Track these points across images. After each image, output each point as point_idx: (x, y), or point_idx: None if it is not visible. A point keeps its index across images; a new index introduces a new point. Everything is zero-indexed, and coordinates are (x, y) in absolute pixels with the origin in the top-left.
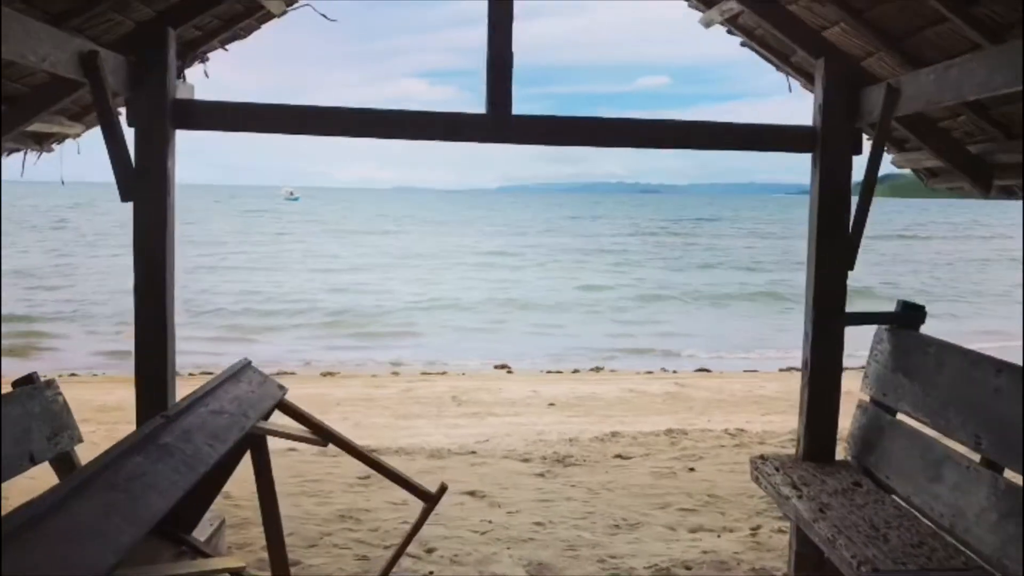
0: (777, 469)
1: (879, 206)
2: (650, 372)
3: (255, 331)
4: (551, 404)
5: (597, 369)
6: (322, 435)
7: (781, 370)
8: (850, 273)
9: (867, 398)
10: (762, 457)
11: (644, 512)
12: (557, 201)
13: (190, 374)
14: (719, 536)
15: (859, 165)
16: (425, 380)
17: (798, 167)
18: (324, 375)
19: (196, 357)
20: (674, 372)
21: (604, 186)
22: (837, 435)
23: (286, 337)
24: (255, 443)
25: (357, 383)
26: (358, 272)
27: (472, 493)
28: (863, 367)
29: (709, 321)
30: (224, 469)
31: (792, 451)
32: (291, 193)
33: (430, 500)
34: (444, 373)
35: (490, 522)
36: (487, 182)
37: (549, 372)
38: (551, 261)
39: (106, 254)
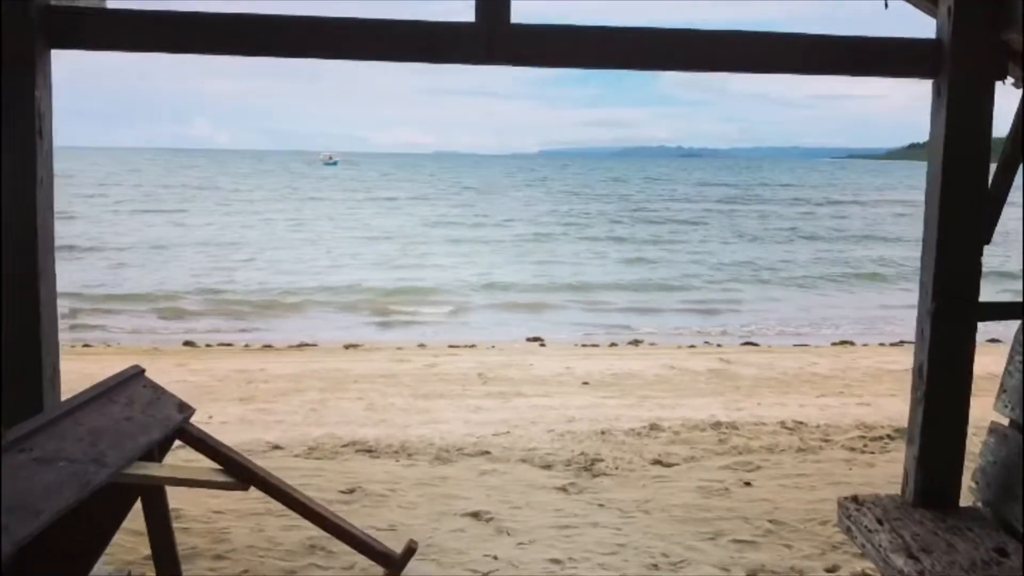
0: (880, 521)
1: None
2: (692, 346)
3: (284, 306)
4: (584, 383)
5: (636, 342)
6: (239, 475)
7: (834, 344)
8: (985, 249)
9: (1005, 421)
10: (855, 500)
11: (689, 545)
12: (604, 165)
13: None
14: None
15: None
16: (452, 354)
17: (847, 129)
18: (347, 347)
19: (222, 335)
20: (718, 346)
21: (646, 151)
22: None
23: (313, 312)
24: (145, 492)
25: (380, 356)
26: (390, 243)
27: (476, 515)
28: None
29: (784, 299)
30: (95, 523)
31: (870, 460)
32: (330, 158)
33: (392, 566)
34: (473, 346)
35: (495, 558)
36: (527, 147)
37: (584, 346)
38: (602, 235)
39: None
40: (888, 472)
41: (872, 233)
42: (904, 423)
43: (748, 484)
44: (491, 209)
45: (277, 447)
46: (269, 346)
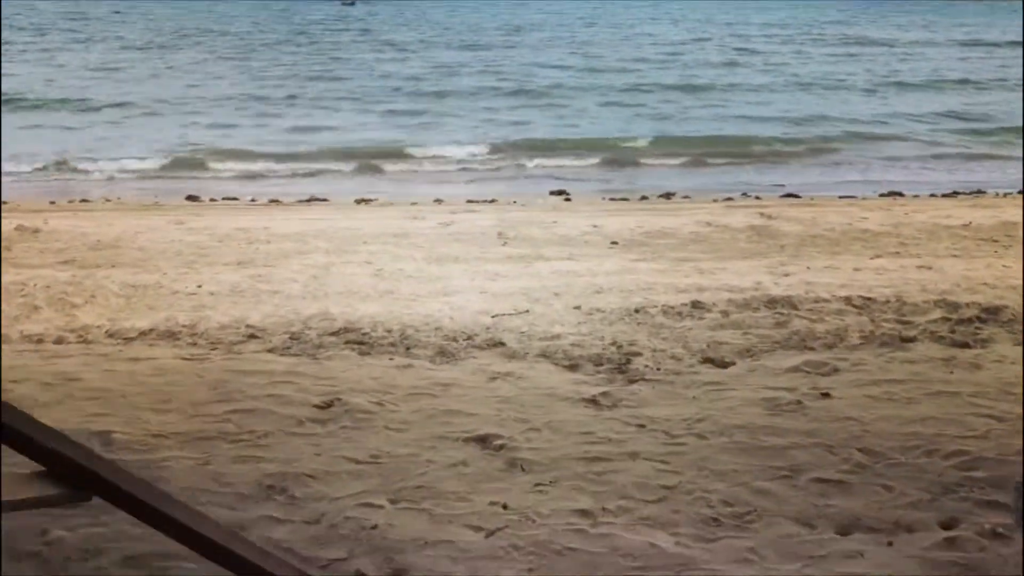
0: None
1: None
2: (729, 199)
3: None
4: (613, 243)
5: (668, 195)
6: (72, 477)
7: (882, 195)
8: None
9: None
10: None
11: (759, 487)
12: None
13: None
14: (889, 544)
15: None
16: (470, 211)
17: None
18: (359, 202)
19: (228, 186)
20: (757, 199)
21: None
22: None
23: (324, 163)
24: None
25: (394, 214)
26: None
27: (483, 441)
28: None
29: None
30: None
31: (972, 359)
32: None
33: None
34: (493, 201)
35: (504, 507)
36: None
37: (613, 200)
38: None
39: None
40: (1000, 378)
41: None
42: (984, 295)
43: (826, 395)
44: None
45: (254, 336)
46: (276, 201)
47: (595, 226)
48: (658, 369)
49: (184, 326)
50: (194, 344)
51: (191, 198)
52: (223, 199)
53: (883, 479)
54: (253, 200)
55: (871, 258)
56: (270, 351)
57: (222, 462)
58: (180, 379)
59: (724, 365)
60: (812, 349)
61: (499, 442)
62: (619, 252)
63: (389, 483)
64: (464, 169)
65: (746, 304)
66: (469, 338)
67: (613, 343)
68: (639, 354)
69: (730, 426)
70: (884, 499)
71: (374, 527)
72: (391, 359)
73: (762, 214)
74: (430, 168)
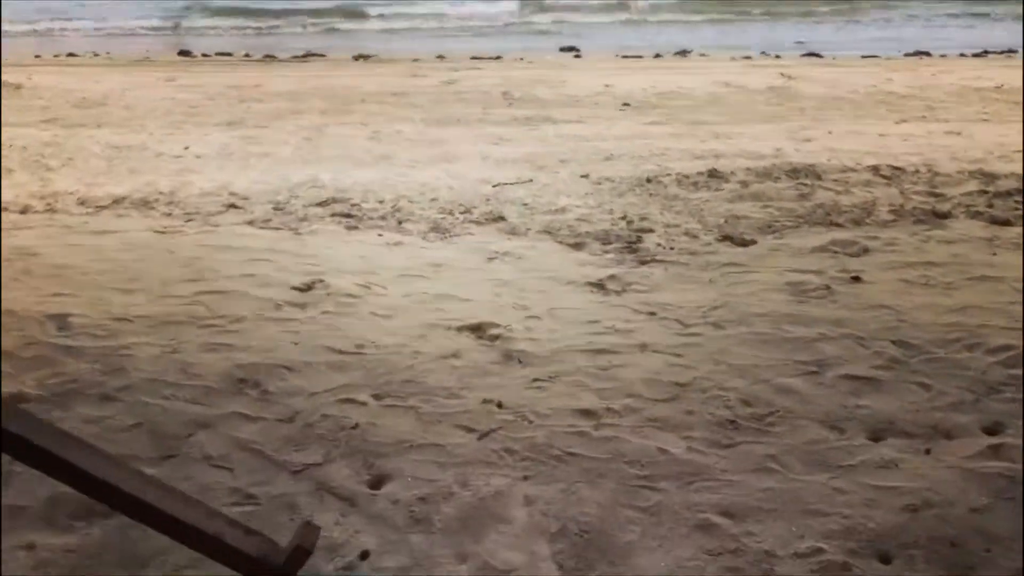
0: None
1: None
2: (748, 58)
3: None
4: (625, 104)
5: (683, 53)
6: None
7: (907, 55)
8: None
9: None
10: None
11: (781, 384)
12: None
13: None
14: (926, 452)
15: None
16: (474, 67)
17: None
18: (357, 58)
19: (222, 41)
20: (777, 57)
21: None
22: None
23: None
24: None
25: (394, 70)
26: None
27: (477, 329)
28: None
29: None
30: None
31: (1015, 238)
32: None
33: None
34: (498, 58)
35: (498, 406)
36: None
37: (625, 57)
38: None
39: None
40: None
41: None
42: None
43: (856, 279)
44: None
45: (235, 206)
46: (272, 56)
47: (606, 86)
48: (671, 248)
49: (162, 193)
50: (169, 215)
51: (183, 53)
52: (216, 54)
53: (920, 376)
54: (248, 55)
55: (897, 123)
56: (250, 223)
57: (190, 350)
58: (149, 255)
59: (744, 243)
60: (839, 226)
61: (495, 331)
62: (631, 114)
63: (373, 377)
64: (467, 26)
65: (766, 173)
66: (467, 211)
67: (623, 217)
68: (651, 230)
69: (750, 314)
70: (921, 400)
71: (354, 427)
72: (380, 235)
73: (782, 74)
74: (434, 24)
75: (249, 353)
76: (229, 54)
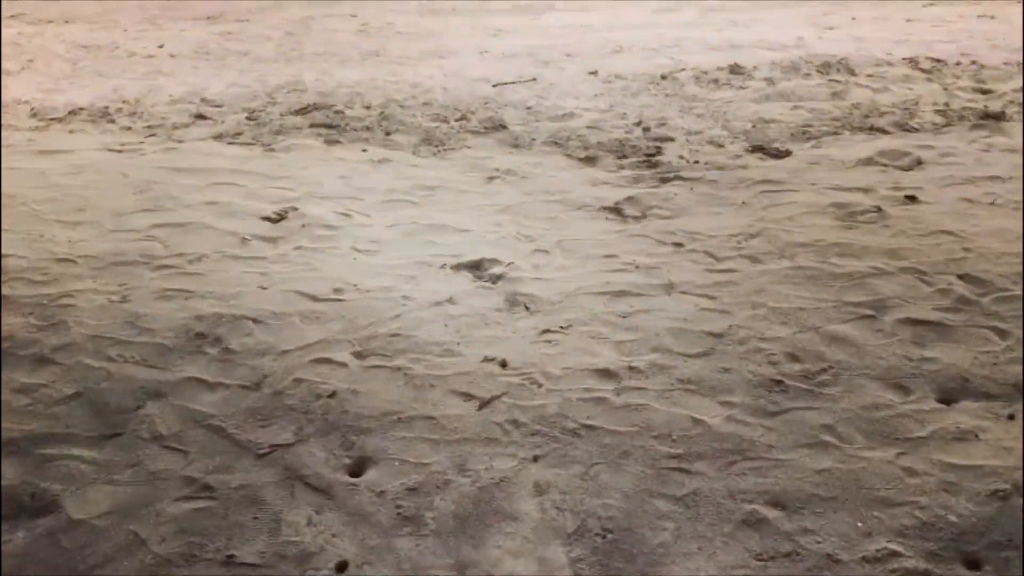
0: None
1: None
2: None
3: None
4: None
5: None
6: None
7: None
8: None
9: None
10: None
11: (831, 332)
12: None
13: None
14: (1010, 418)
15: None
16: None
17: None
18: None
19: None
20: None
21: None
22: None
23: None
24: None
25: None
26: None
27: (476, 267)
28: None
29: None
30: None
31: None
32: None
33: None
34: None
35: (502, 366)
36: None
37: None
38: None
39: None
40: None
41: None
42: None
43: (912, 198)
44: None
45: (203, 116)
46: None
47: None
48: (696, 162)
49: (126, 102)
50: (129, 128)
51: None
52: None
53: (994, 320)
54: None
55: (924, 6)
56: (218, 138)
57: (142, 298)
58: (100, 180)
59: (778, 154)
60: (883, 131)
61: (496, 269)
62: None
63: (354, 330)
64: None
65: (793, 67)
66: (463, 117)
67: (638, 123)
68: (671, 139)
69: (792, 244)
70: (998, 349)
71: (331, 395)
72: (364, 151)
73: None
74: None
75: (209, 301)
76: None
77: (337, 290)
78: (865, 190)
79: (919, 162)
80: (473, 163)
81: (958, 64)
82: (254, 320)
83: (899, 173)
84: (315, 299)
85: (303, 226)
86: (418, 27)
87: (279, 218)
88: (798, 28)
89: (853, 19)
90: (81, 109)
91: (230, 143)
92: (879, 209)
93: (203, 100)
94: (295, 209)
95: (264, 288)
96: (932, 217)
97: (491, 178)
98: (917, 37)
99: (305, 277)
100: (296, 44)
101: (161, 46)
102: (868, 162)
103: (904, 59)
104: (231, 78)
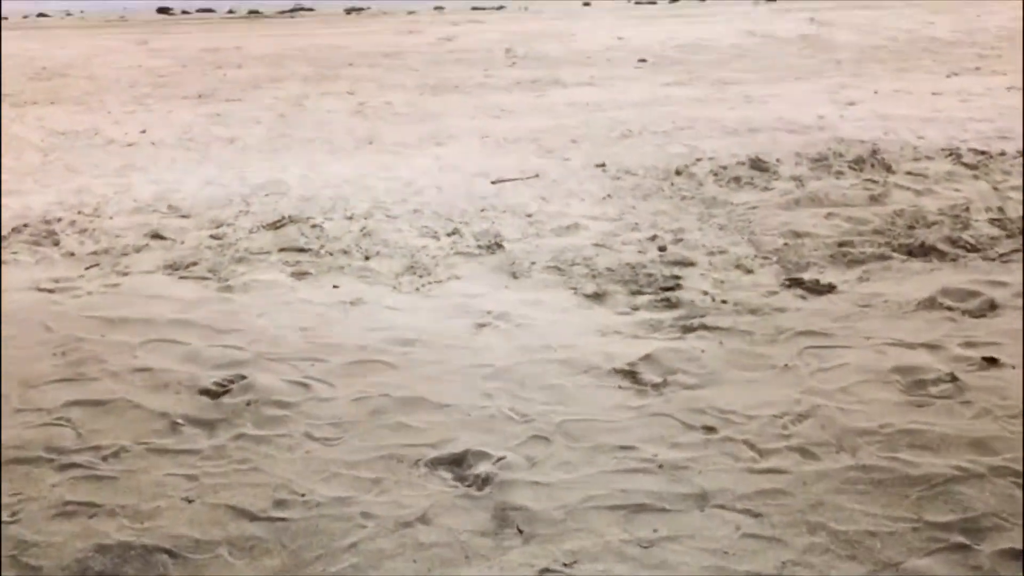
0: None
1: None
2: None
3: None
4: (641, 60)
5: None
6: None
7: None
8: None
9: None
10: None
11: (911, 571)
12: None
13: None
14: None
15: None
16: (474, 21)
17: None
18: (349, 12)
19: None
20: None
21: None
22: None
23: None
24: None
25: (387, 26)
26: None
27: (458, 463)
28: None
29: None
30: None
31: None
32: None
33: None
34: (501, 8)
35: None
36: None
37: (639, 3)
38: None
39: None
40: None
41: None
42: None
43: (992, 361)
44: None
45: (160, 236)
46: (256, 12)
47: (620, 38)
48: (724, 301)
49: (81, 212)
50: (72, 254)
51: (162, 11)
52: (198, 11)
53: None
54: (231, 12)
55: (947, 76)
56: (169, 269)
57: (35, 517)
58: (17, 337)
59: (819, 289)
60: (938, 253)
61: (483, 467)
62: (648, 72)
63: (296, 567)
64: None
65: (821, 161)
66: (455, 231)
67: (653, 237)
68: (691, 262)
69: (851, 430)
70: None
71: None
72: (336, 286)
73: (812, 19)
74: None
75: (119, 522)
76: (211, 11)
77: (280, 503)
78: (931, 347)
79: (992, 306)
80: (461, 303)
81: (1003, 155)
82: (170, 553)
83: (970, 322)
84: (252, 517)
85: (249, 403)
86: (417, 107)
87: (221, 391)
88: (818, 105)
89: (875, 93)
90: (25, 226)
91: (182, 277)
92: (953, 378)
93: (170, 207)
94: (243, 378)
95: (190, 501)
96: (1020, 388)
97: (481, 325)
98: (947, 114)
99: (243, 483)
100: (287, 128)
101: (143, 131)
102: (930, 305)
103: (943, 150)
104: (209, 174)
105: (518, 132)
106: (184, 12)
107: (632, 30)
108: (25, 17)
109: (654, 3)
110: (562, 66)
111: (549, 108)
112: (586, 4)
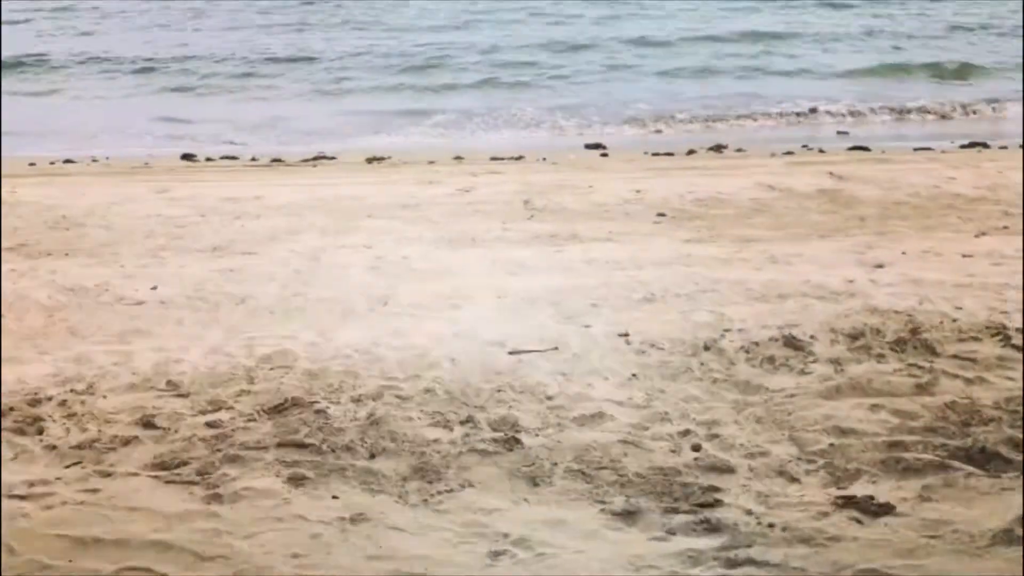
0: None
1: None
2: (790, 153)
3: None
4: (660, 215)
5: (718, 148)
6: None
7: (963, 147)
8: None
9: None
10: None
11: None
12: None
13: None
14: None
15: None
16: (493, 172)
17: None
18: (370, 161)
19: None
20: (821, 152)
21: None
22: None
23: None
24: None
25: (406, 176)
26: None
27: None
28: None
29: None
30: None
31: None
32: None
33: None
34: (520, 158)
35: None
36: None
37: (656, 155)
38: None
39: None
40: None
41: None
42: None
43: None
44: None
45: (151, 424)
46: (279, 160)
47: (637, 191)
48: (770, 525)
49: (74, 392)
50: (53, 448)
51: (186, 157)
52: (222, 158)
53: None
54: (254, 159)
55: (976, 235)
56: (156, 469)
57: None
58: None
59: (876, 511)
60: (1004, 461)
61: None
62: (668, 227)
63: None
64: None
65: (857, 338)
66: (469, 419)
67: (685, 432)
68: (730, 468)
69: None
70: None
71: None
72: (336, 496)
73: (831, 174)
74: (453, 116)
75: None
76: (235, 157)
77: None
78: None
79: None
80: (473, 522)
81: None
82: None
83: None
84: None
85: None
86: (434, 261)
87: None
88: (845, 267)
89: (903, 254)
90: (12, 410)
91: (168, 481)
92: None
93: (168, 383)
94: None
95: None
96: None
97: (497, 554)
98: (981, 279)
99: None
100: (301, 286)
101: (154, 288)
102: (1007, 539)
103: (988, 328)
104: (215, 341)
105: (536, 291)
106: (208, 159)
107: (649, 182)
108: (52, 163)
109: (671, 155)
110: (580, 219)
111: (568, 266)
112: (603, 155)
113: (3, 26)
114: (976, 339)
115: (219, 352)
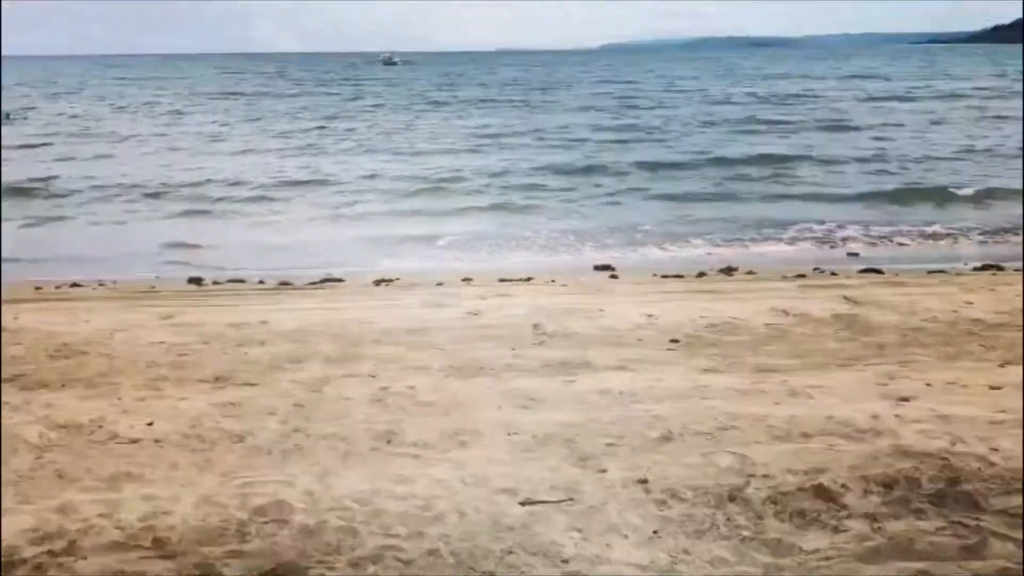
0: None
1: None
2: (802, 276)
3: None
4: (673, 341)
5: (729, 271)
6: None
7: (976, 269)
8: None
9: None
10: None
11: None
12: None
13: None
14: None
15: None
16: (503, 295)
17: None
18: (378, 283)
19: (238, 253)
20: (833, 275)
21: (713, 42)
22: None
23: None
24: None
25: (415, 298)
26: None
27: None
28: None
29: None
30: None
31: None
32: (390, 57)
33: None
34: (529, 280)
35: None
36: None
37: (665, 277)
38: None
39: None
40: None
41: None
42: None
43: None
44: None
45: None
46: (287, 283)
47: (649, 316)
48: None
49: (52, 553)
50: None
51: (193, 280)
52: (229, 281)
53: None
54: (262, 282)
55: (1000, 365)
56: None
57: None
58: None
59: None
60: None
61: None
62: (682, 355)
63: None
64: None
65: (892, 487)
66: None
67: None
68: None
69: None
70: None
71: None
72: None
73: (845, 298)
74: (464, 238)
75: None
76: (242, 280)
77: None
78: None
79: None
80: None
81: None
82: None
83: None
84: None
85: None
86: (441, 392)
87: None
88: (868, 400)
89: (928, 385)
90: None
91: None
92: None
93: (155, 541)
94: None
95: None
96: None
97: None
98: (1013, 416)
99: None
100: (302, 421)
101: (151, 423)
102: None
103: None
104: (208, 488)
105: (547, 427)
106: (215, 282)
107: (661, 306)
108: (58, 287)
109: (680, 276)
110: (592, 346)
111: (580, 398)
112: (613, 277)
113: (21, 149)
114: (1017, 488)
115: (211, 502)
